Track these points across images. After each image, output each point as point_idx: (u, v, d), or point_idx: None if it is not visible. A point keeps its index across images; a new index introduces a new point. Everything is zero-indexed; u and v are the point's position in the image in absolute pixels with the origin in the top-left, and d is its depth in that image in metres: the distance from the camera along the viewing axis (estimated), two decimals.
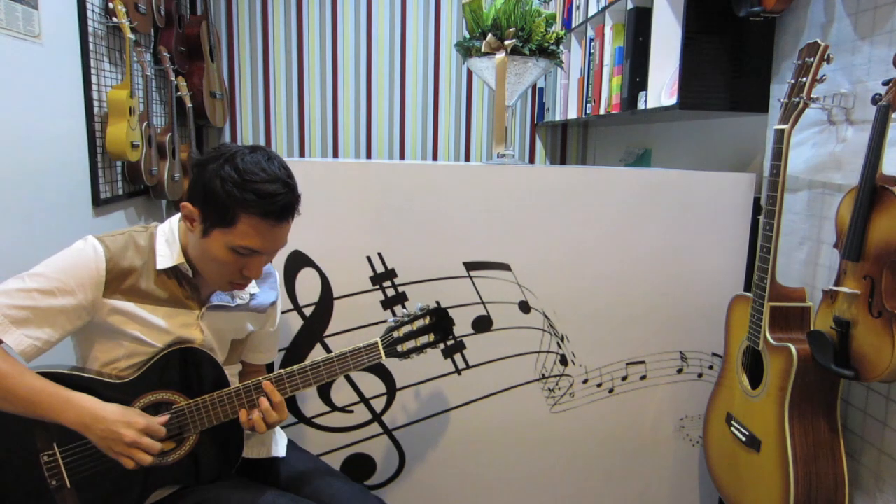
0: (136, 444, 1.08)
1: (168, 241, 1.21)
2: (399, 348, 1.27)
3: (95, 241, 1.16)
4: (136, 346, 1.19)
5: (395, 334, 1.27)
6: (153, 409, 1.18)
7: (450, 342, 1.66)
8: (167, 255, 1.20)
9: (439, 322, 1.30)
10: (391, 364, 1.67)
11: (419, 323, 1.29)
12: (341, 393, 1.68)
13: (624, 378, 1.71)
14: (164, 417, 1.16)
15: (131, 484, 1.18)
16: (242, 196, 1.09)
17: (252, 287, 1.31)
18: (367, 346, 1.25)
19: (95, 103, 2.14)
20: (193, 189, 1.15)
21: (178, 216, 1.23)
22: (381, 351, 1.26)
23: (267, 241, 1.14)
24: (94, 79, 2.13)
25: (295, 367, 1.23)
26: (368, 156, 3.30)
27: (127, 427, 1.08)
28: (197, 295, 1.24)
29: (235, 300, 1.29)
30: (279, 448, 1.40)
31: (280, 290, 1.59)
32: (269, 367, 1.51)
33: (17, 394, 1.06)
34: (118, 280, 1.15)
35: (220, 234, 1.13)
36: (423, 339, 1.29)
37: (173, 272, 1.21)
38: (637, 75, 1.95)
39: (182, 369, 1.20)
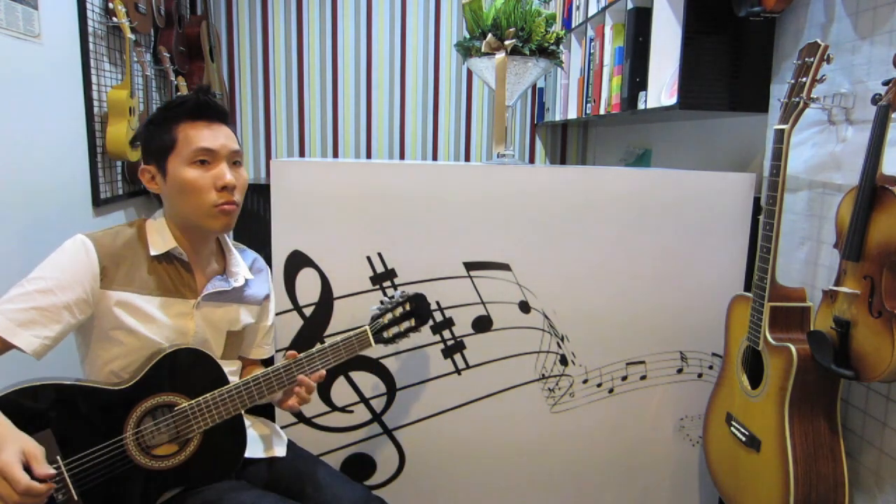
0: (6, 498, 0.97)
1: (158, 230, 1.27)
2: (385, 334, 1.36)
3: (83, 236, 1.21)
4: (134, 339, 1.21)
5: (381, 321, 1.35)
6: (155, 413, 1.18)
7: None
8: (159, 241, 1.25)
9: (418, 307, 1.39)
10: (391, 364, 1.67)
11: (400, 310, 1.37)
12: (341, 393, 1.68)
13: (624, 378, 1.71)
14: (52, 471, 1.01)
15: (138, 491, 1.18)
16: (166, 115, 1.22)
17: (246, 273, 1.37)
18: (357, 335, 1.32)
19: (95, 103, 2.14)
20: (143, 155, 1.28)
21: (161, 210, 1.31)
22: (370, 337, 1.33)
23: (211, 139, 1.22)
24: (94, 79, 2.13)
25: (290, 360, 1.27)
26: (368, 156, 3.30)
27: (2, 484, 0.95)
28: (192, 282, 1.28)
29: (230, 282, 1.32)
30: (279, 448, 1.40)
31: (280, 289, 1.60)
32: (269, 363, 1.51)
33: None
34: (112, 269, 1.19)
35: (174, 160, 1.21)
36: (406, 325, 1.38)
37: (166, 258, 1.26)
38: (637, 75, 1.95)
39: (181, 370, 1.21)
